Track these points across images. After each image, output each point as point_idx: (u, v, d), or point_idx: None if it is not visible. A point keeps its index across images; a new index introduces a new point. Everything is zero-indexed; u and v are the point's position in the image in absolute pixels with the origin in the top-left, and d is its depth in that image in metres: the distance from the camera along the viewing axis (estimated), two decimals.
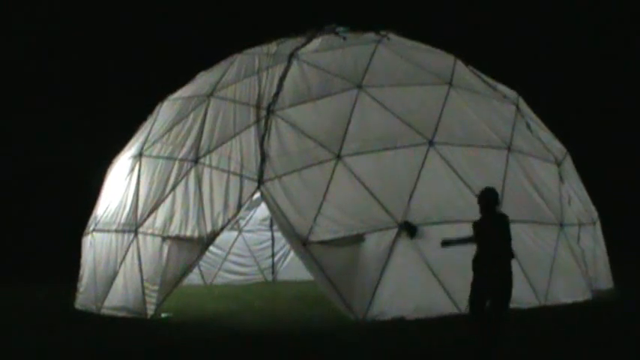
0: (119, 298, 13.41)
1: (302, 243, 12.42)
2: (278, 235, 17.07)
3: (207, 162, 13.48)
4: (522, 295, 12.33)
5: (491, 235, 8.83)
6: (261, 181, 12.90)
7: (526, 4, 27.47)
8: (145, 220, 13.48)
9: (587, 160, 17.54)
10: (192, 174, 13.47)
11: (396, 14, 25.60)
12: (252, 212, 18.07)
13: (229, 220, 13.01)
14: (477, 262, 8.92)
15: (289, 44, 14.88)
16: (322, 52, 14.59)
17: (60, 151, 23.89)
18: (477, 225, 9.03)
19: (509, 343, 9.33)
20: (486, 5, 27.20)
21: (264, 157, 13.08)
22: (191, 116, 14.31)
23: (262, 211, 17.25)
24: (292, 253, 17.02)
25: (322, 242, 12.32)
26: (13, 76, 25.04)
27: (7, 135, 24.55)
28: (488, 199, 8.96)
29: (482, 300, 8.83)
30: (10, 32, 25.38)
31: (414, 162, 12.76)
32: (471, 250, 11.93)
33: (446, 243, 9.60)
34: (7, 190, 23.86)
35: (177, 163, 13.75)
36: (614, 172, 24.67)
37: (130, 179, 14.26)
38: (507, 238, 8.86)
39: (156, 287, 12.93)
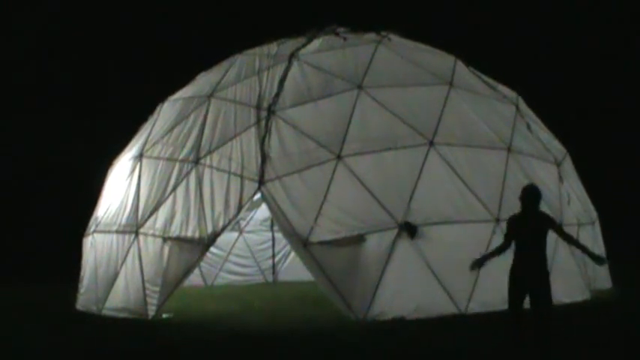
0: (120, 299, 13.42)
1: (302, 243, 12.44)
2: (279, 235, 17.08)
3: (207, 163, 13.48)
4: None
5: (530, 233, 8.72)
6: (261, 182, 12.92)
7: (526, 4, 27.47)
8: (146, 221, 13.49)
9: (587, 159, 17.56)
10: (192, 175, 13.48)
11: (397, 14, 25.61)
12: (252, 213, 18.07)
13: (230, 221, 13.03)
14: (515, 264, 8.78)
15: (290, 45, 14.86)
16: (323, 52, 14.59)
17: (60, 151, 23.89)
18: (513, 221, 8.87)
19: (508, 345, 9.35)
20: (486, 5, 27.20)
21: (264, 158, 13.09)
22: (192, 117, 14.31)
23: (263, 211, 17.24)
24: (293, 254, 17.02)
25: (323, 243, 12.34)
26: (13, 76, 25.03)
27: (7, 135, 24.52)
28: (529, 196, 8.76)
29: (521, 299, 8.77)
30: (10, 32, 25.37)
31: (415, 162, 12.78)
32: (473, 252, 12.12)
33: (477, 264, 9.06)
34: (7, 190, 23.85)
35: (177, 164, 13.75)
36: (614, 172, 24.68)
37: (131, 180, 14.27)
38: (544, 239, 8.72)
39: (157, 288, 12.94)
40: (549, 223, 8.79)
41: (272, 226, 18.09)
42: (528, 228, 8.71)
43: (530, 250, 8.67)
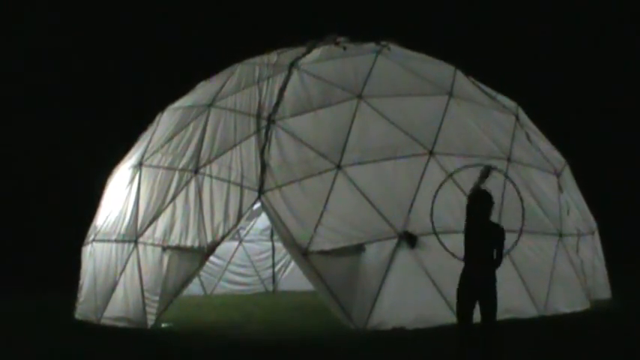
0: (119, 308, 13.43)
1: (302, 253, 12.45)
2: (278, 245, 17.09)
3: (207, 172, 13.48)
4: (521, 306, 12.44)
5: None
6: (261, 191, 12.93)
7: (526, 4, 27.43)
8: (145, 230, 13.49)
9: (586, 165, 17.53)
10: (192, 184, 13.48)
11: (396, 15, 25.59)
12: (252, 222, 18.03)
13: (230, 230, 13.03)
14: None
15: (290, 54, 14.84)
16: (322, 62, 14.57)
17: (60, 151, 23.87)
18: None
19: (508, 353, 9.39)
20: (486, 5, 27.16)
21: (264, 167, 13.10)
22: (191, 126, 14.30)
23: (263, 221, 17.23)
24: (293, 263, 17.00)
25: (322, 252, 12.36)
26: (14, 77, 25.00)
27: (7, 135, 24.49)
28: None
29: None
30: (10, 32, 25.33)
31: (414, 172, 12.79)
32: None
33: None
34: (6, 190, 23.84)
35: (177, 173, 13.75)
36: (614, 173, 24.69)
37: (130, 189, 14.26)
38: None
39: (156, 297, 12.95)
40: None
41: (272, 235, 18.05)
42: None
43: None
